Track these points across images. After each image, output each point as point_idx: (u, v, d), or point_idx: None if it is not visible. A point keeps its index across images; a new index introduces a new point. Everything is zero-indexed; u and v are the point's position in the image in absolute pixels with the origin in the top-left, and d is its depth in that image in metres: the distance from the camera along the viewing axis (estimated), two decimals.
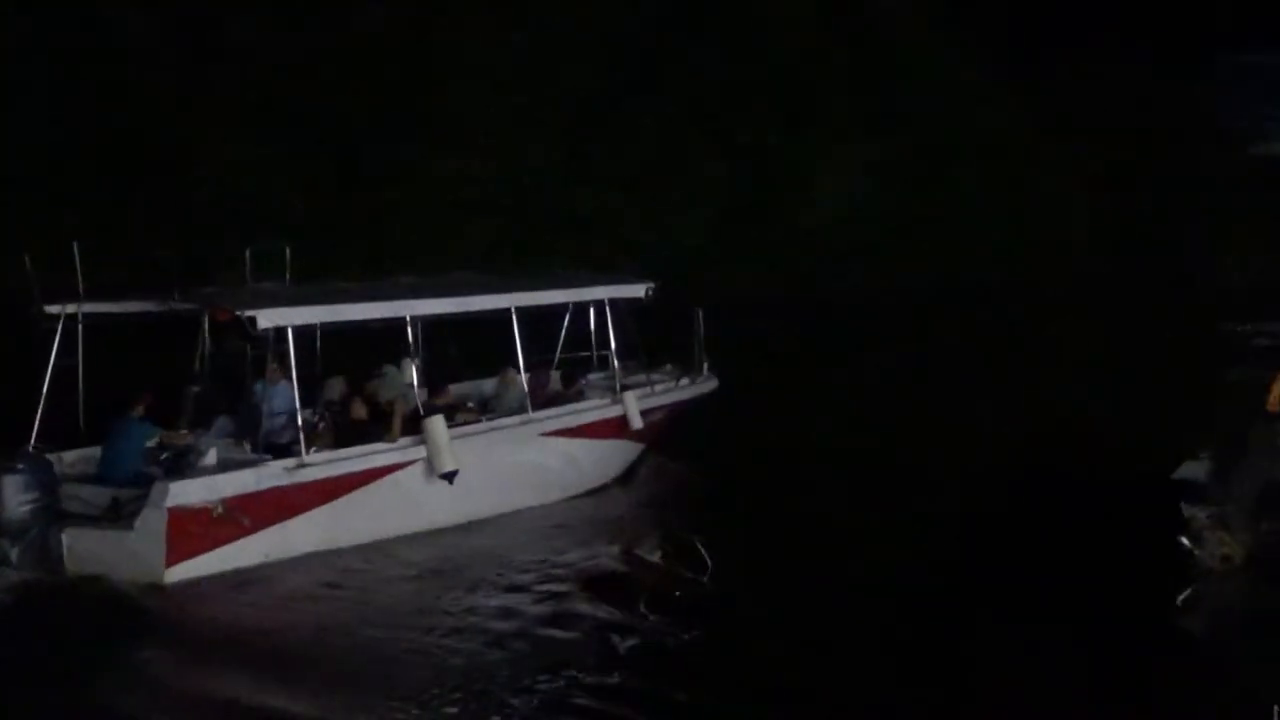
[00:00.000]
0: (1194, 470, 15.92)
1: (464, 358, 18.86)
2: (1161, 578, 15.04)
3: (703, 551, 15.70)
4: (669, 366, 19.81)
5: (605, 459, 18.09)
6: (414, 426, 15.91)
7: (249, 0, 30.70)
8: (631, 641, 13.76)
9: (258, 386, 15.80)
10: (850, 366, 26.49)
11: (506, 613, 14.35)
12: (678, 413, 19.32)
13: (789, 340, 21.54)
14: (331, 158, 29.80)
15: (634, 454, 18.80)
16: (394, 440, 15.75)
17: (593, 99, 32.23)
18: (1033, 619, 13.94)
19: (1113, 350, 29.85)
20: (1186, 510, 15.46)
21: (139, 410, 14.93)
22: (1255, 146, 45.09)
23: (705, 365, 19.86)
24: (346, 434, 15.70)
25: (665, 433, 19.29)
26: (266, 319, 14.58)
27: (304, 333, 16.28)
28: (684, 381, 19.39)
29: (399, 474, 15.66)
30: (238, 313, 14.50)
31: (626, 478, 18.78)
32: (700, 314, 19.57)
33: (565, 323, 19.36)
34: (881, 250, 30.80)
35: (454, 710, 11.92)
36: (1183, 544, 15.26)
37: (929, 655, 13.17)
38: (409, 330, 16.00)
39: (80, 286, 14.78)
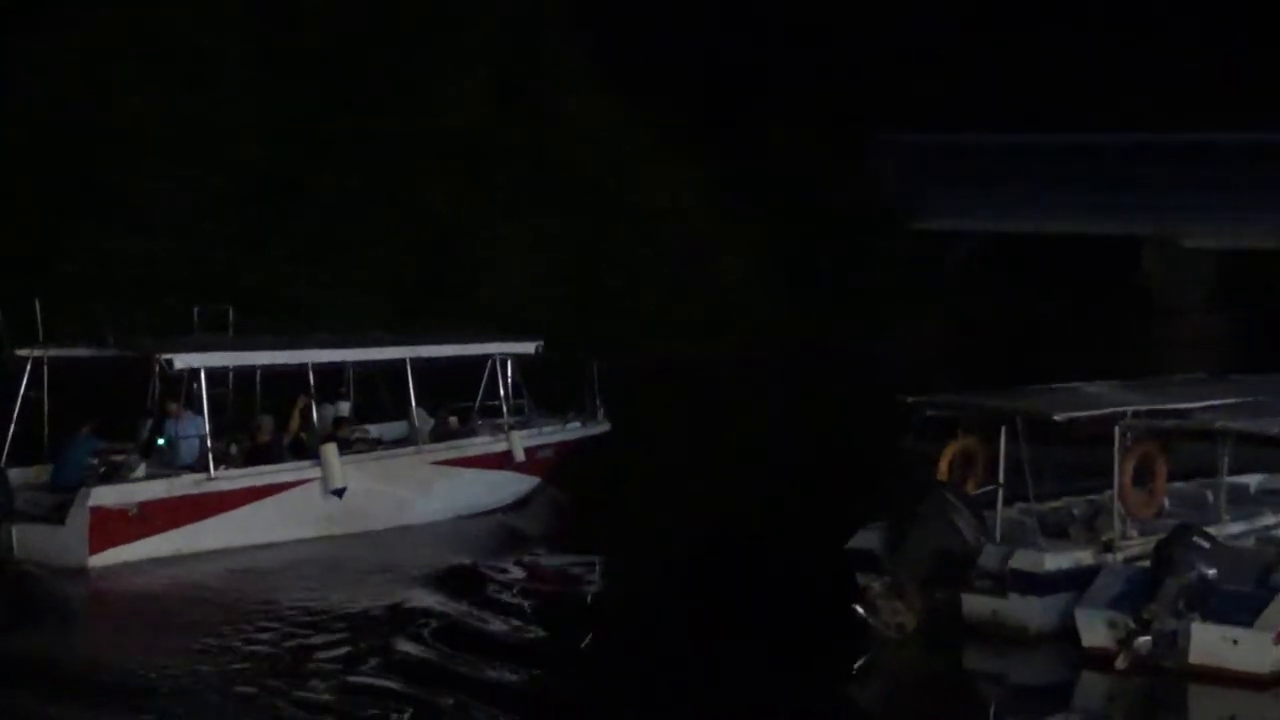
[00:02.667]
0: (868, 540, 15.57)
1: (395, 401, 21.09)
2: (837, 646, 14.88)
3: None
4: (571, 413, 21.99)
5: (491, 486, 20.65)
6: (312, 451, 18.46)
7: None
8: (479, 634, 15.76)
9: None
10: None
11: (372, 599, 16.67)
12: (567, 450, 21.57)
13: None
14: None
15: (525, 484, 21.31)
16: (290, 433, 18.54)
17: (268, 176, 32.11)
18: (711, 686, 13.96)
19: (786, 421, 29.59)
20: (861, 579, 15.33)
21: (87, 429, 17.69)
22: (917, 221, 44.93)
23: (600, 411, 22.02)
24: (255, 456, 18.28)
25: (557, 467, 21.50)
26: (181, 361, 17.51)
27: (244, 376, 19.08)
28: (573, 425, 21.56)
29: (296, 489, 18.35)
30: (158, 356, 17.30)
31: (517, 503, 21.21)
32: (595, 367, 21.78)
33: (485, 374, 21.57)
34: (560, 325, 29.04)
35: (322, 686, 13.76)
36: (858, 612, 15.07)
37: None
38: (310, 375, 18.61)
39: (40, 334, 17.72)
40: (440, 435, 20.41)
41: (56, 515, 17.13)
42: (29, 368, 17.99)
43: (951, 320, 41.78)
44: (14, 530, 17.02)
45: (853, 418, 28.01)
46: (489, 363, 21.17)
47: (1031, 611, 14.68)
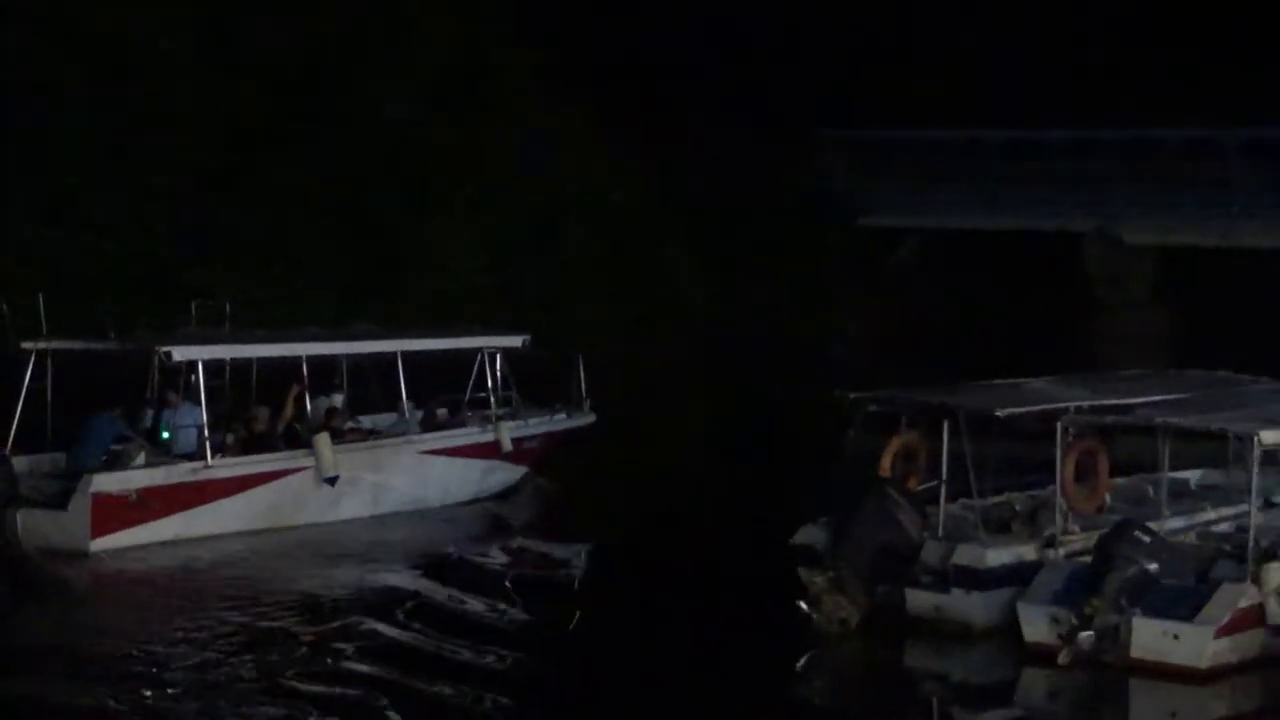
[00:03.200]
0: (811, 535, 15.32)
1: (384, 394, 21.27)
2: (780, 641, 14.78)
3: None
4: (557, 404, 22.28)
5: (479, 475, 21.11)
6: (306, 441, 18.70)
7: None
8: (466, 618, 16.07)
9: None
10: None
11: (360, 583, 17.16)
12: (553, 441, 21.97)
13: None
14: None
15: (512, 474, 21.77)
16: (285, 419, 18.99)
17: (209, 176, 31.70)
18: (656, 679, 13.83)
19: (728, 416, 29.47)
20: (804, 574, 15.07)
21: (117, 412, 17.92)
22: (862, 218, 44.20)
23: (586, 404, 22.32)
24: (250, 445, 18.50)
25: (543, 457, 21.86)
26: (180, 353, 17.89)
27: (240, 368, 19.27)
28: (559, 416, 21.82)
29: (290, 477, 18.68)
30: (157, 349, 17.47)
31: (505, 492, 21.68)
32: (581, 360, 22.04)
33: (474, 367, 21.79)
34: (503, 317, 28.80)
35: (312, 668, 14.05)
36: (801, 607, 14.88)
37: None
38: (304, 367, 18.83)
39: (44, 328, 17.87)
40: (430, 426, 20.82)
41: (59, 501, 17.49)
42: (32, 359, 18.22)
43: (895, 316, 41.46)
44: (18, 515, 17.50)
45: (796, 413, 27.71)
46: (478, 356, 21.58)
47: (974, 607, 14.59)
